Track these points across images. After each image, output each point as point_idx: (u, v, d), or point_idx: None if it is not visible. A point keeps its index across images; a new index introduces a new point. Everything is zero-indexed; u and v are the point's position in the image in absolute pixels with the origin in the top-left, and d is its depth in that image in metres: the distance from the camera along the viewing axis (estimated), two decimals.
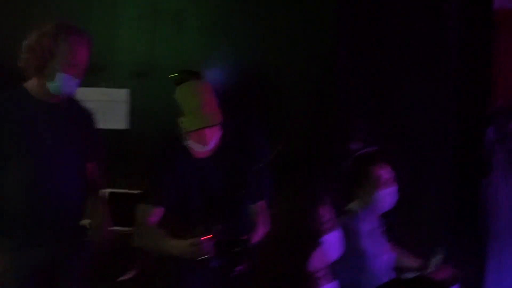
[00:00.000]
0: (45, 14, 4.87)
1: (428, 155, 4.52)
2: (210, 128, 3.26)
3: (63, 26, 3.32)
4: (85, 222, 3.46)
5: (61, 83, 3.26)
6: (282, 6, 4.78)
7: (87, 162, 3.43)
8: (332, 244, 2.97)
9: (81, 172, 3.41)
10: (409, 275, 3.41)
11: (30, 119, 3.27)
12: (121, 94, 4.84)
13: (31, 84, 3.32)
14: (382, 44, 4.58)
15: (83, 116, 3.48)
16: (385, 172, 3.54)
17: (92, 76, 4.76)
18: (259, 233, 3.28)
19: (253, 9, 4.79)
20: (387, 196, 3.50)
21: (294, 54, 4.76)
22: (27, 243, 3.25)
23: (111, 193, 4.54)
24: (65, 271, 3.35)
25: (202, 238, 3.05)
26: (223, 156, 3.38)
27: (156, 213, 3.32)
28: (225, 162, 3.37)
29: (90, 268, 3.43)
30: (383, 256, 3.52)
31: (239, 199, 3.23)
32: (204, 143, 3.28)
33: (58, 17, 4.67)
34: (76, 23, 4.77)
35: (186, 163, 3.34)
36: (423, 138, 4.55)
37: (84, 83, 4.67)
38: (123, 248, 4.19)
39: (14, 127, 3.24)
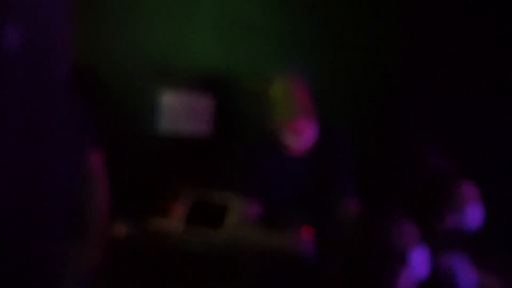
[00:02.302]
0: (120, 19, 5.00)
1: (497, 173, 4.47)
2: (303, 120, 3.29)
3: None
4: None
5: None
6: (356, 18, 4.79)
7: (86, 150, 3.47)
8: (419, 262, 2.95)
9: (79, 163, 3.44)
10: None
11: None
12: (204, 100, 4.89)
13: None
14: (449, 57, 4.56)
15: (77, 104, 3.44)
16: (470, 188, 3.50)
17: (171, 80, 4.90)
18: None
19: (328, 20, 4.81)
20: (473, 213, 3.45)
21: (367, 63, 4.76)
22: None
23: (190, 196, 4.60)
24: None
25: (307, 232, 3.08)
26: (317, 155, 3.42)
27: (254, 209, 3.37)
28: (318, 161, 3.42)
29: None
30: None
31: (331, 194, 3.24)
32: (298, 134, 3.32)
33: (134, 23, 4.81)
34: (154, 27, 4.93)
35: (280, 160, 3.39)
36: (490, 154, 4.50)
37: (164, 87, 4.85)
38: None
39: None
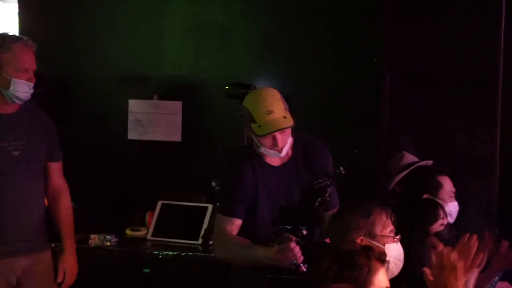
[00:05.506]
0: (93, 26, 4.97)
1: (472, 174, 4.46)
2: (282, 132, 3.24)
3: (5, 35, 3.40)
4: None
5: (15, 89, 3.32)
6: (329, 22, 4.77)
7: (50, 162, 3.54)
8: (397, 254, 2.94)
9: (44, 176, 3.53)
10: None
11: None
12: (176, 107, 4.84)
13: None
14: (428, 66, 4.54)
15: (41, 119, 3.54)
16: (448, 184, 3.51)
17: (140, 88, 4.87)
18: None
19: (298, 25, 4.78)
20: (451, 208, 3.47)
21: (340, 68, 4.73)
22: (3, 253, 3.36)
23: (163, 204, 4.54)
24: (32, 280, 3.44)
25: (292, 244, 3.03)
26: (296, 165, 3.37)
27: (234, 224, 3.31)
28: (298, 170, 3.36)
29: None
30: None
31: (317, 206, 3.19)
32: (278, 148, 3.26)
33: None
34: (123, 36, 4.90)
35: (260, 172, 3.33)
36: (467, 156, 4.49)
37: (136, 96, 4.81)
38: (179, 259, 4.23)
39: None
